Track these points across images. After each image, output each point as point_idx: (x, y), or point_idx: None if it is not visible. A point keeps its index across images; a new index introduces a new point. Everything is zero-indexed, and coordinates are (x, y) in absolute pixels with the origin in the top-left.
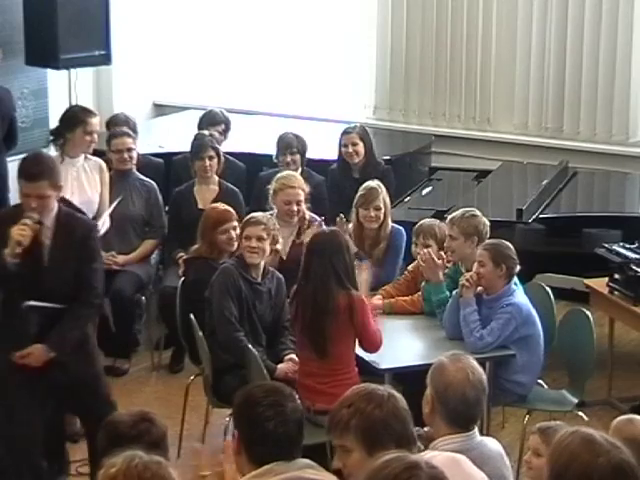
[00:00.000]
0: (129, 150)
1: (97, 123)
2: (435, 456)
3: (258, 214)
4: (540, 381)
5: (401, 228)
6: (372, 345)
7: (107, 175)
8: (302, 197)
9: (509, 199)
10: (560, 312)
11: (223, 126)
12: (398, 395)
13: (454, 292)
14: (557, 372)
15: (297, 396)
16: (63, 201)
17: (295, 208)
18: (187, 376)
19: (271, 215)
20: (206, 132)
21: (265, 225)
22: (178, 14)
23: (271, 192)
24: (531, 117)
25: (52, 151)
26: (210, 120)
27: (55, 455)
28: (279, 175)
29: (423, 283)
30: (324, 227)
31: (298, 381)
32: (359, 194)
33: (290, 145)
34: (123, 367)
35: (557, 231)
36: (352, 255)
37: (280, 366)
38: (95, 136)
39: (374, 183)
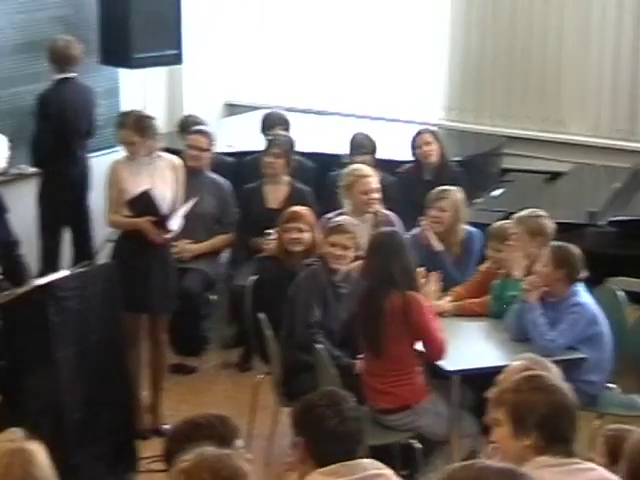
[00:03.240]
0: (202, 149)
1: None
2: None
3: (346, 221)
4: (611, 385)
5: (476, 230)
6: (434, 350)
7: (182, 172)
8: (378, 185)
9: (581, 201)
10: (633, 316)
11: (282, 127)
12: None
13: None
14: (628, 377)
15: (354, 397)
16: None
17: (374, 196)
18: (256, 375)
19: (344, 214)
20: (281, 132)
21: (351, 234)
22: (250, 13)
23: (344, 187)
24: (604, 119)
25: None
26: (270, 122)
27: (125, 452)
28: (347, 170)
29: (495, 282)
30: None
31: (364, 381)
32: (430, 193)
33: (361, 145)
34: (192, 365)
35: (629, 234)
36: (412, 257)
37: (359, 362)
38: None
39: (450, 188)
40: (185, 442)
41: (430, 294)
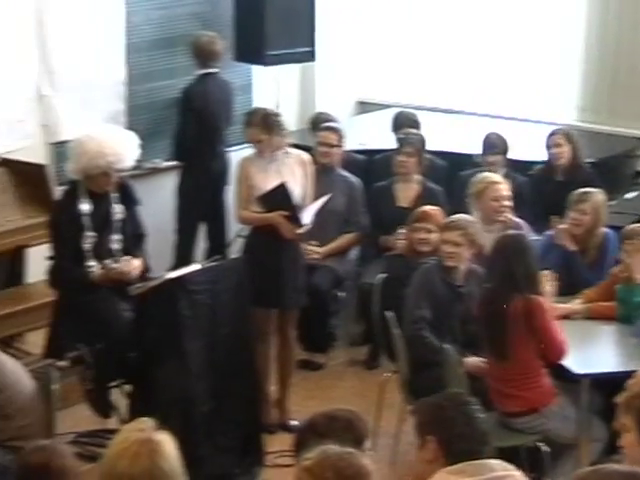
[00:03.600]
0: (331, 145)
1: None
2: None
3: (459, 218)
4: None
5: (612, 232)
6: (554, 354)
7: (311, 168)
8: (509, 192)
9: None
10: None
11: (413, 127)
12: None
13: None
14: None
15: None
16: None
17: (504, 203)
18: (383, 373)
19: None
20: (413, 130)
21: (463, 230)
22: (383, 10)
23: (473, 195)
24: None
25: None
26: (400, 122)
27: (252, 445)
28: (477, 178)
29: (618, 285)
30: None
31: (489, 384)
32: (571, 195)
33: (494, 145)
34: (319, 361)
35: None
36: (536, 260)
37: (467, 359)
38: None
39: (592, 190)
40: (319, 435)
41: (547, 294)
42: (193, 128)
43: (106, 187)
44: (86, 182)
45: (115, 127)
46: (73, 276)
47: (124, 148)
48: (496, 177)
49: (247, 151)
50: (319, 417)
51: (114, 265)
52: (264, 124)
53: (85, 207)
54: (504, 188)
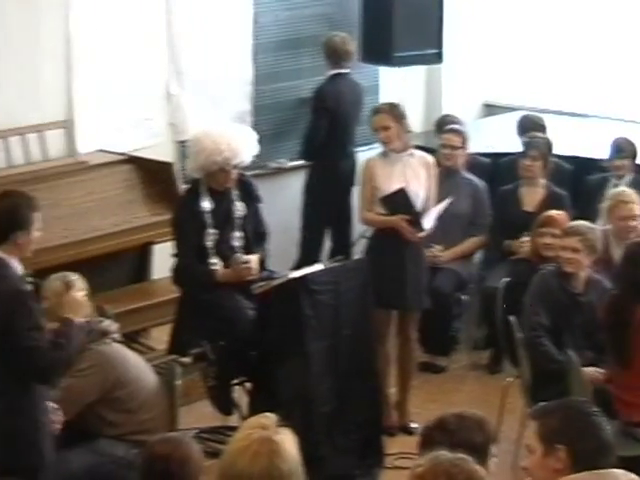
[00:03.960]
0: (454, 147)
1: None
2: None
3: (579, 223)
4: None
5: None
6: None
7: (435, 171)
8: (638, 212)
9: None
10: None
11: (538, 131)
12: None
13: None
14: None
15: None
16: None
17: (631, 224)
18: (505, 378)
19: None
20: (539, 134)
21: (582, 236)
22: (511, 14)
23: (605, 209)
24: None
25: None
26: (526, 125)
27: (371, 447)
28: (612, 192)
29: None
30: None
31: (613, 393)
32: None
33: (621, 149)
34: (441, 364)
35: None
36: None
37: (585, 369)
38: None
39: None
40: (449, 433)
41: None
42: (324, 128)
43: (225, 184)
44: (206, 179)
45: (232, 124)
46: (196, 273)
47: (240, 143)
48: (627, 196)
49: (373, 152)
50: (449, 416)
51: (244, 258)
52: (392, 111)
53: (207, 204)
54: (630, 209)
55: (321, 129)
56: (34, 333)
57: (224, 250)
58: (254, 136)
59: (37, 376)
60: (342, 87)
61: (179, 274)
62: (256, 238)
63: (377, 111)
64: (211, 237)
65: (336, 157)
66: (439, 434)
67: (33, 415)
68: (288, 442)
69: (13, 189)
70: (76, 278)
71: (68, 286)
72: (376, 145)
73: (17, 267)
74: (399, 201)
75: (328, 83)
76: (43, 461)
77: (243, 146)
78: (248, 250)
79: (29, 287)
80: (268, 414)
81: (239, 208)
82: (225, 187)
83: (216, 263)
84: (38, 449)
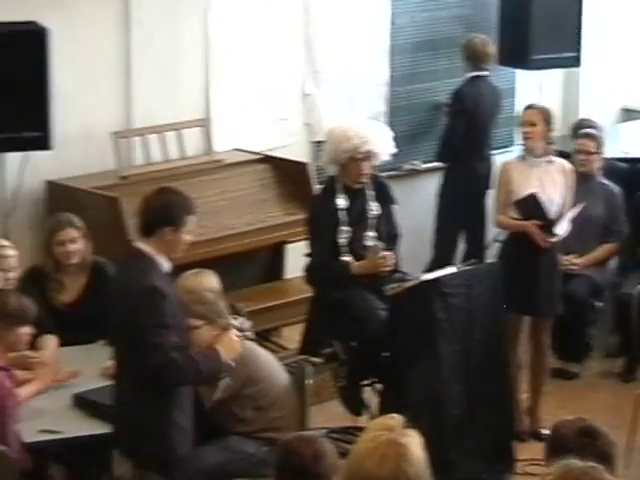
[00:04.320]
0: (588, 153)
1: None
2: None
3: None
4: None
5: None
6: None
7: (572, 178)
8: None
9: None
10: None
11: None
12: None
13: None
14: None
15: None
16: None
17: None
18: (639, 386)
19: None
20: None
21: None
22: None
23: None
24: None
25: (517, 150)
26: None
27: (502, 452)
28: None
29: None
30: None
31: None
32: None
33: None
34: (573, 371)
35: None
36: None
37: None
38: None
39: None
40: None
41: None
42: (462, 130)
43: (358, 177)
44: (341, 176)
45: (366, 119)
46: (331, 267)
47: (370, 133)
48: None
49: (509, 155)
50: (578, 420)
51: (379, 245)
52: (543, 111)
53: (342, 202)
54: None
55: (458, 131)
56: (160, 330)
57: (357, 249)
58: (389, 132)
59: (154, 373)
60: (481, 89)
61: (313, 272)
62: (388, 240)
63: (530, 107)
64: (345, 235)
65: (472, 160)
66: (569, 438)
67: (167, 411)
68: (415, 445)
69: (171, 186)
70: (210, 275)
71: (227, 328)
72: (513, 148)
73: (163, 264)
74: (530, 206)
75: (467, 85)
76: (176, 456)
77: (374, 136)
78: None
79: (173, 285)
80: (394, 415)
81: (373, 207)
82: (358, 182)
83: (349, 262)
84: (171, 445)
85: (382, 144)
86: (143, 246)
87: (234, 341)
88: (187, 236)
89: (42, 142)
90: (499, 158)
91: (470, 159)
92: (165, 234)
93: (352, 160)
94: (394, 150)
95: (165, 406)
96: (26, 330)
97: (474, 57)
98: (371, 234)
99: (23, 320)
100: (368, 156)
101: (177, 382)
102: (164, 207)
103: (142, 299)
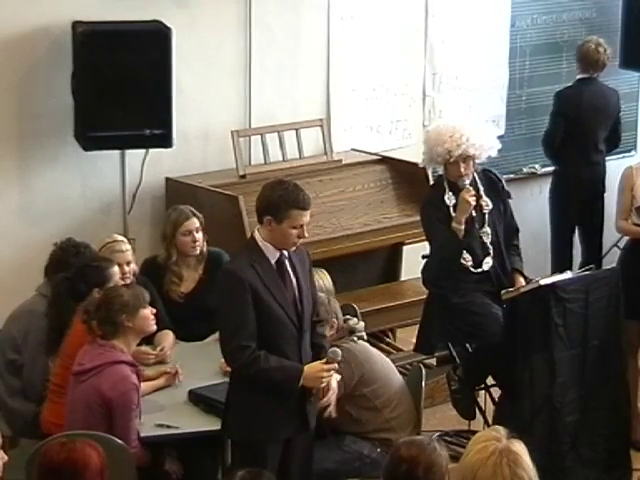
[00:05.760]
0: None
1: None
2: None
3: None
4: None
5: None
6: None
7: None
8: None
9: None
10: None
11: None
12: None
13: None
14: None
15: None
16: None
17: None
18: None
19: None
20: None
21: None
22: None
23: None
24: None
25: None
26: None
27: (618, 460)
28: None
29: None
30: None
31: None
32: None
33: None
34: None
35: None
36: None
37: None
38: None
39: None
40: None
41: None
42: (560, 132)
43: (458, 178)
44: (446, 174)
45: (468, 118)
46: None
47: (464, 135)
48: None
49: (627, 161)
50: None
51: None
52: None
53: (449, 199)
54: None
55: (557, 133)
56: (230, 315)
57: (474, 246)
58: (491, 132)
59: (224, 355)
60: (585, 92)
61: (432, 271)
62: (509, 235)
63: None
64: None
65: (576, 164)
66: None
67: (267, 391)
68: (524, 452)
69: (289, 180)
70: (323, 274)
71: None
72: (631, 153)
73: (270, 251)
74: None
75: (570, 88)
76: (277, 438)
77: (469, 139)
78: (497, 246)
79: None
80: (498, 427)
81: (487, 203)
82: (460, 177)
83: (467, 258)
84: (272, 425)
85: (479, 145)
86: (256, 233)
87: (320, 376)
88: (292, 229)
89: (164, 140)
90: (617, 163)
91: (574, 163)
92: (267, 223)
93: (448, 162)
94: (497, 148)
95: (249, 390)
96: (148, 312)
97: (584, 60)
98: (486, 230)
99: (140, 303)
100: (464, 158)
101: (240, 371)
102: (269, 197)
103: (219, 281)
